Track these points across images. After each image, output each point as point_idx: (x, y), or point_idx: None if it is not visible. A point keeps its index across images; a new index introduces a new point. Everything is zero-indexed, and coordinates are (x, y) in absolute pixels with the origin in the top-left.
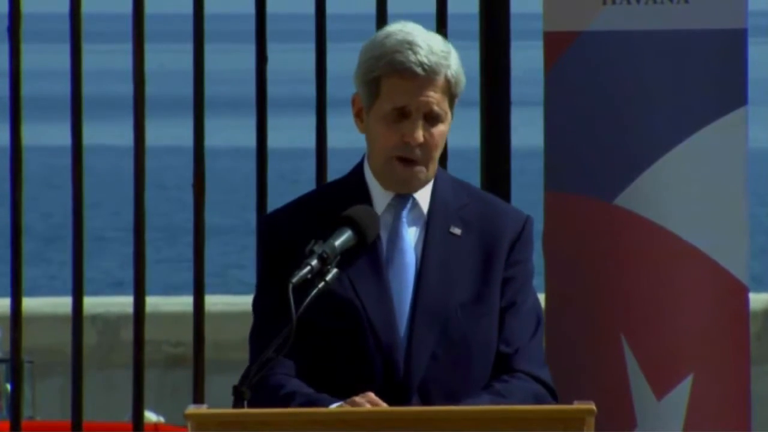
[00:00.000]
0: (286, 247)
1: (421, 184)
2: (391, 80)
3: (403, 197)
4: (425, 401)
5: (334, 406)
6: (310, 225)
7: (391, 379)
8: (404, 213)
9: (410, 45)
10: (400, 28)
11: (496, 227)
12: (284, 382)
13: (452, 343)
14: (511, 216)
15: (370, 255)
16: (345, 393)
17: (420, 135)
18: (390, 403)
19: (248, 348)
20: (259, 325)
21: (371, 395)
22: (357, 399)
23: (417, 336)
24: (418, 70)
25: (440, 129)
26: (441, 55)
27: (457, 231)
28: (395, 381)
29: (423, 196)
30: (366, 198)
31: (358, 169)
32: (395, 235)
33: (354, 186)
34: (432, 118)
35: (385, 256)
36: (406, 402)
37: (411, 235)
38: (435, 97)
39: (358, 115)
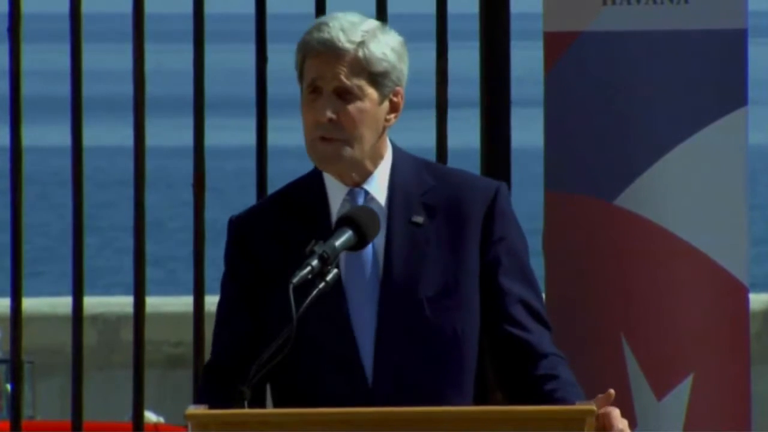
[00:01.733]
0: (247, 249)
1: (351, 164)
2: (306, 63)
3: (356, 191)
4: (398, 396)
5: None
6: (271, 225)
7: (359, 376)
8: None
9: (320, 25)
10: (329, 15)
11: (462, 206)
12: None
13: (421, 340)
14: (478, 189)
15: None
16: (307, 395)
17: (327, 112)
18: (360, 402)
19: None
20: (215, 325)
21: None
22: None
23: (384, 332)
24: (319, 46)
25: (357, 106)
26: (352, 33)
27: (419, 219)
28: (364, 377)
29: (379, 188)
30: (323, 195)
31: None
32: None
33: (312, 182)
34: (344, 94)
35: (343, 254)
36: (376, 398)
37: None
38: (342, 71)
39: None
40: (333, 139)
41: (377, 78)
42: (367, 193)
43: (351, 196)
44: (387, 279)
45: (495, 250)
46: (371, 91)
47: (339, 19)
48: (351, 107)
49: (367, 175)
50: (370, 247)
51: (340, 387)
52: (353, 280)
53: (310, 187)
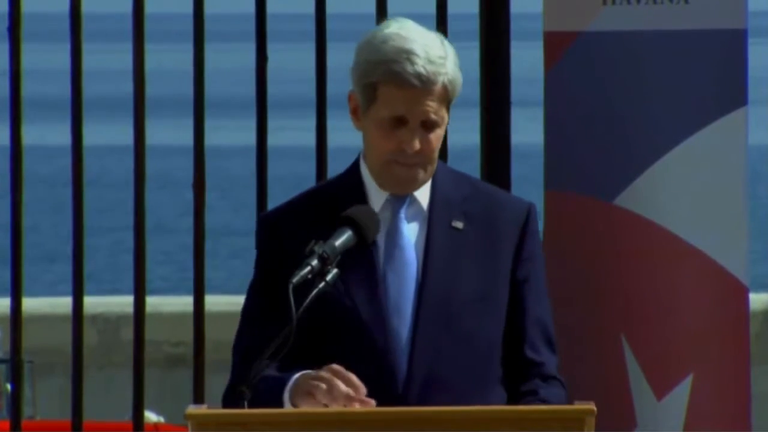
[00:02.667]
0: (282, 248)
1: (419, 186)
2: (387, 88)
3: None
4: (428, 399)
5: (297, 376)
6: (306, 224)
7: (392, 378)
8: (402, 210)
9: (408, 54)
10: (397, 31)
11: (499, 220)
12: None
13: (457, 340)
14: (511, 207)
15: (366, 254)
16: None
17: (417, 143)
18: (391, 404)
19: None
20: (243, 325)
21: (334, 367)
22: (321, 373)
23: (421, 333)
24: (415, 81)
25: (437, 133)
26: (439, 63)
27: (459, 225)
28: (396, 379)
29: (422, 192)
30: (362, 196)
31: (355, 167)
32: (394, 232)
33: (350, 184)
34: (429, 125)
35: (383, 254)
36: (408, 401)
37: (411, 231)
38: (432, 106)
39: (355, 113)
40: (412, 164)
41: (451, 101)
42: (412, 195)
43: (394, 197)
44: (425, 280)
45: (523, 269)
46: (446, 115)
47: (419, 44)
48: (432, 135)
49: None
50: (411, 248)
51: (371, 388)
52: (391, 281)
53: (348, 187)
